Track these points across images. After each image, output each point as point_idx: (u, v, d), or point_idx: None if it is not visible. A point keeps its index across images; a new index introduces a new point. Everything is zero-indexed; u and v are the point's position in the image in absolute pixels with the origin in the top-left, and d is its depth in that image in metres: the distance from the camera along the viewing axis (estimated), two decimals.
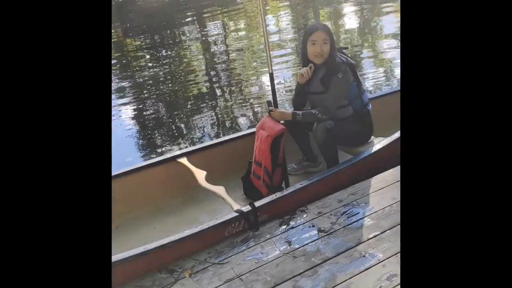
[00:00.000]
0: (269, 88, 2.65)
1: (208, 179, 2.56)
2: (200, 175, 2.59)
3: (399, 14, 7.92)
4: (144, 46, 7.99)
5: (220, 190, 2.43)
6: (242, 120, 4.65)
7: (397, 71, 5.39)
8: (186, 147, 3.86)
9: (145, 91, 5.71)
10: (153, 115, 5.01)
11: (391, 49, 6.21)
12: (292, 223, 2.26)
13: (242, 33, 8.28)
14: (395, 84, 4.98)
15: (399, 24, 7.29)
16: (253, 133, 2.78)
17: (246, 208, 2.23)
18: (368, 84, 4.96)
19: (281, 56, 6.37)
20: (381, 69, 5.57)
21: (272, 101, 2.63)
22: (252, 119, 4.58)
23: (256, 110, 4.79)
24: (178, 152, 2.85)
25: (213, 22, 9.30)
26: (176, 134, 4.52)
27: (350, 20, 8.32)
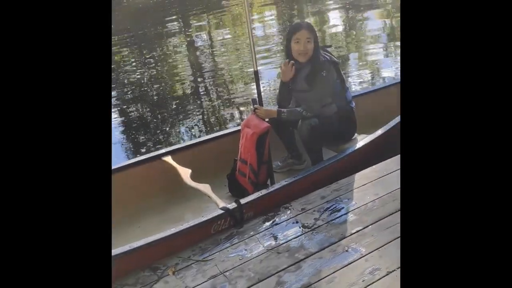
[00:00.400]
0: (254, 87, 2.67)
1: (193, 177, 2.57)
2: (185, 173, 2.60)
3: (382, 14, 8.04)
4: (129, 46, 7.93)
5: (205, 188, 2.44)
6: (227, 119, 4.65)
7: (381, 70, 5.46)
8: (170, 145, 3.85)
9: (129, 91, 5.68)
10: (137, 115, 4.99)
11: (374, 48, 6.28)
12: (276, 219, 2.28)
13: (227, 32, 8.28)
14: (378, 82, 5.04)
15: (382, 25, 7.42)
16: (238, 131, 2.80)
17: (232, 206, 2.24)
18: (351, 82, 5.01)
19: (265, 53, 6.40)
20: (364, 67, 5.63)
21: (257, 99, 2.65)
22: (237, 117, 4.59)
23: (241, 108, 4.80)
24: (163, 151, 2.85)
25: (198, 23, 9.28)
26: (160, 133, 4.50)
27: (334, 19, 8.38)
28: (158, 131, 4.54)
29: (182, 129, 4.54)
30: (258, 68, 2.65)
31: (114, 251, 1.96)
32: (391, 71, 5.25)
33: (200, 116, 4.81)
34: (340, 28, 7.71)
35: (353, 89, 4.52)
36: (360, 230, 2.13)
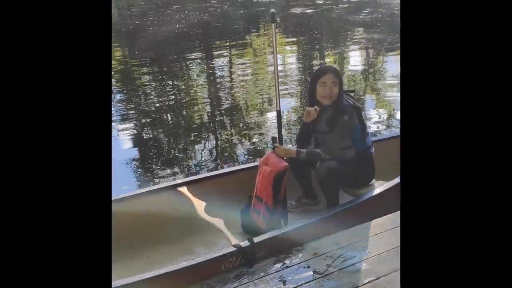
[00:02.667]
0: (272, 124, 2.69)
1: (207, 210, 2.55)
2: (199, 205, 2.58)
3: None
4: (150, 74, 8.08)
5: (219, 222, 2.42)
6: (242, 155, 4.66)
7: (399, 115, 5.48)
8: (185, 177, 3.85)
9: (148, 119, 5.73)
10: (155, 144, 5.00)
11: (394, 92, 6.33)
12: (287, 262, 2.24)
13: (248, 68, 8.41)
14: (398, 129, 5.04)
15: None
16: (255, 167, 2.79)
17: (245, 244, 2.21)
18: (371, 127, 5.02)
19: (282, 85, 6.50)
20: (384, 113, 5.65)
21: (277, 137, 2.66)
22: (253, 154, 4.60)
23: (257, 145, 4.81)
24: (179, 181, 2.85)
25: (220, 57, 9.46)
26: (176, 164, 4.51)
27: (356, 63, 8.48)
28: (174, 162, 4.55)
29: (198, 161, 4.54)
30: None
31: (122, 281, 1.94)
32: None
33: (216, 150, 4.82)
34: (360, 71, 7.79)
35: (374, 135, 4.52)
36: (373, 280, 2.07)
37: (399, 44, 8.87)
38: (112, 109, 5.94)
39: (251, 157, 4.46)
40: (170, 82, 7.51)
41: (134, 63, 8.56)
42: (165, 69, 8.27)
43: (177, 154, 4.77)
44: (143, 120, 5.65)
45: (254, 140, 4.89)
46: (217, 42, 10.45)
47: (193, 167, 4.42)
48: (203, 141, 5.04)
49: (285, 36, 10.54)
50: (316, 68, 6.50)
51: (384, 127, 5.16)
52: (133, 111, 5.97)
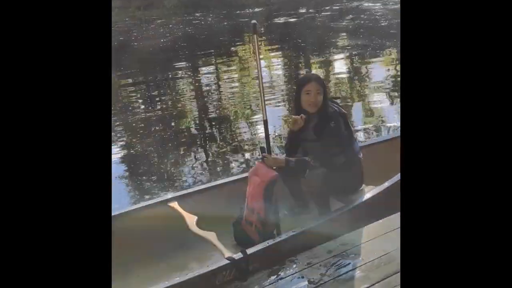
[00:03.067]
0: (260, 134, 2.69)
1: (198, 224, 2.53)
2: (191, 219, 2.57)
3: (386, 64, 8.25)
4: (137, 90, 8.05)
5: (211, 236, 2.41)
6: (233, 165, 4.65)
7: (387, 120, 5.52)
8: (176, 191, 3.82)
9: (137, 135, 5.70)
10: (144, 160, 4.96)
11: (380, 96, 6.38)
12: (281, 273, 2.23)
13: (235, 78, 8.44)
14: (385, 133, 5.07)
15: (387, 73, 7.58)
16: (245, 178, 2.79)
17: (238, 256, 2.20)
18: (358, 133, 5.04)
19: (268, 93, 6.53)
20: (371, 118, 5.69)
21: (265, 147, 2.66)
22: (244, 164, 4.59)
23: (247, 155, 4.80)
24: (169, 196, 2.83)
25: (206, 68, 9.47)
26: (167, 179, 4.48)
27: (340, 69, 8.55)
28: (164, 177, 4.51)
29: (188, 175, 4.51)
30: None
31: None
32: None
33: (206, 163, 4.81)
34: (346, 78, 7.85)
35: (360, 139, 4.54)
36: (368, 287, 2.07)
37: (382, 49, 9.01)
38: None
39: (242, 168, 4.45)
40: (157, 97, 7.49)
41: (119, 74, 8.52)
42: (152, 83, 8.25)
43: (167, 169, 4.74)
44: (131, 136, 5.61)
45: (244, 149, 4.89)
46: (203, 53, 10.46)
47: (183, 181, 4.39)
48: (192, 154, 5.02)
49: (269, 45, 10.59)
50: (300, 76, 6.56)
51: (372, 131, 5.20)
52: (120, 127, 5.93)
